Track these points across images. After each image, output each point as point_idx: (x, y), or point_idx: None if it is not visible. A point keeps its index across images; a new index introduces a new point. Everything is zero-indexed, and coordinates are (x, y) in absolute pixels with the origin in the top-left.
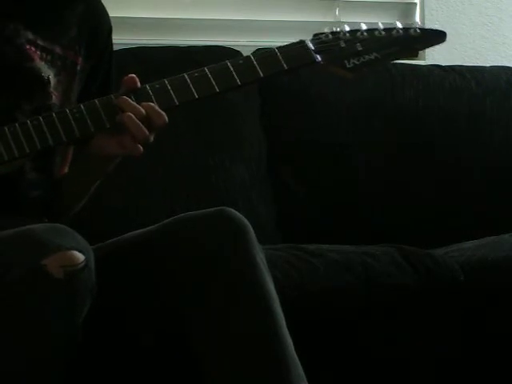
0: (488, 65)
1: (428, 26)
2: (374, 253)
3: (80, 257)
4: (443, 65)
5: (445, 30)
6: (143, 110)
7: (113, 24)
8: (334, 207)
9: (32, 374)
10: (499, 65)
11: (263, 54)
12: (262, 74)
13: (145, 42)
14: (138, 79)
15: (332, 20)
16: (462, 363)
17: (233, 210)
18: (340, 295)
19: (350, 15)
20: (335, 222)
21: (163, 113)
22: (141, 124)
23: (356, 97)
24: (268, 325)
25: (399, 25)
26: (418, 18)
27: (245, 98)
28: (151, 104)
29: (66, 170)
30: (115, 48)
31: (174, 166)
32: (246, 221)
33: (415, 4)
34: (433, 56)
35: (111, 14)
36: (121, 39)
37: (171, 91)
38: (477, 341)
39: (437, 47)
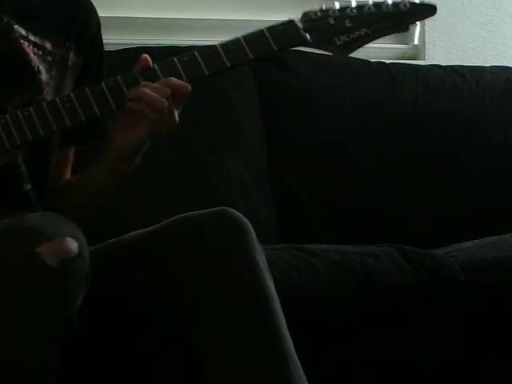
0: (488, 65)
1: (428, 25)
2: (374, 253)
3: (74, 244)
4: (443, 65)
5: (445, 31)
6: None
7: (113, 24)
8: (334, 207)
9: (29, 361)
10: (499, 65)
11: (252, 34)
12: (251, 56)
13: (145, 41)
14: (149, 59)
15: None
16: (462, 363)
17: (233, 210)
18: (340, 295)
19: None
20: (335, 222)
21: (186, 83)
22: (155, 94)
23: (356, 97)
24: (268, 325)
25: (389, 0)
26: None
27: (245, 97)
28: (171, 78)
29: (68, 175)
30: (115, 48)
31: (174, 166)
32: (246, 221)
33: None
34: (433, 56)
35: (111, 14)
36: (121, 39)
37: (161, 76)
38: (477, 341)
39: (437, 47)
